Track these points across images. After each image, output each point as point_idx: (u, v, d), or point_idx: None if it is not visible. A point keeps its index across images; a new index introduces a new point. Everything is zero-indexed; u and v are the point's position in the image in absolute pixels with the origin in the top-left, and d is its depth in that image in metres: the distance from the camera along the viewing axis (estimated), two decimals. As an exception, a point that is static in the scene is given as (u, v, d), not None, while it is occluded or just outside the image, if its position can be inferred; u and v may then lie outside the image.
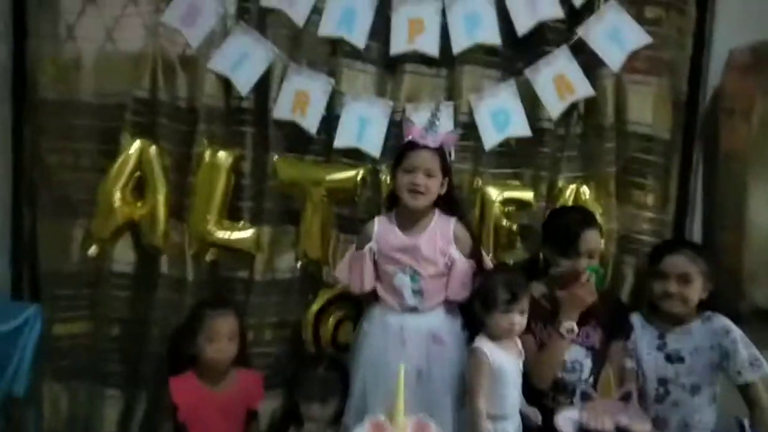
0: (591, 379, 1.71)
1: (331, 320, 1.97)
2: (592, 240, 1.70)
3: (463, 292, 1.70)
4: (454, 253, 1.72)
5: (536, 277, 1.80)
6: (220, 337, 1.71)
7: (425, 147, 1.68)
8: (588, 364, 1.71)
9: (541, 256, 1.88)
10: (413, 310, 1.74)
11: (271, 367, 2.01)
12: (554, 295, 1.74)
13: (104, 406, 2.02)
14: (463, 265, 1.73)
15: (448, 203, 1.76)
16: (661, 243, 1.89)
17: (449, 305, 1.77)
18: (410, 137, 1.71)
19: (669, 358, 1.74)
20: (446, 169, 1.72)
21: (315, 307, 1.96)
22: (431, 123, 1.70)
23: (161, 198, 1.94)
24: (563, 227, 1.74)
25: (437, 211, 1.75)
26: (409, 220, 1.73)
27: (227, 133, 1.97)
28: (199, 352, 1.72)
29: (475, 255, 1.75)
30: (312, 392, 1.75)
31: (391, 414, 1.22)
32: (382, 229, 1.76)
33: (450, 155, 1.74)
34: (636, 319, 1.82)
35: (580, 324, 1.69)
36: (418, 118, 1.83)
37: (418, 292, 1.73)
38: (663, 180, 1.99)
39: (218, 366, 1.73)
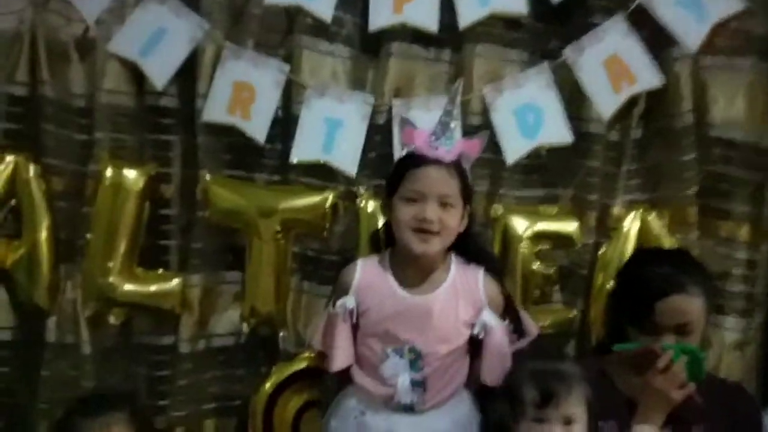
0: None
1: (292, 405, 1.47)
2: (680, 310, 1.15)
3: (501, 375, 1.17)
4: (490, 319, 1.19)
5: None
6: None
7: (436, 162, 1.14)
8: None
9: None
10: (408, 409, 1.18)
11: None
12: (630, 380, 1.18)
13: None
14: (502, 334, 1.20)
15: (470, 246, 1.24)
16: None
17: (461, 399, 1.22)
18: (413, 147, 1.17)
19: None
20: (468, 194, 1.20)
21: (268, 386, 1.46)
22: (444, 124, 1.17)
23: (44, 235, 1.43)
24: (637, 286, 1.19)
25: (453, 258, 1.22)
26: (413, 271, 1.20)
27: (138, 143, 1.47)
28: None
29: (509, 317, 1.23)
30: None
31: None
32: (369, 277, 1.22)
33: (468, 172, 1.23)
34: None
35: (675, 428, 1.15)
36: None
37: (419, 384, 1.18)
38: (757, 204, 1.46)
39: None
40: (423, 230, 1.13)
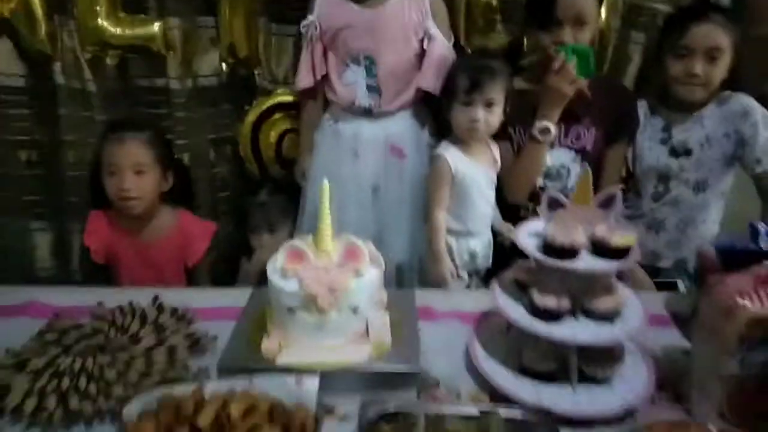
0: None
1: (273, 133, 1.70)
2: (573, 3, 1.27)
3: (437, 82, 1.36)
4: (433, 28, 1.37)
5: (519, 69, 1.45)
6: (121, 169, 1.32)
7: None
8: (576, 169, 1.42)
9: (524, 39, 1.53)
10: (367, 113, 1.45)
11: (221, 191, 1.80)
12: (535, 89, 1.38)
13: (33, 239, 1.81)
14: (443, 46, 1.39)
15: None
16: (680, 9, 1.46)
17: (416, 108, 1.48)
18: None
19: (674, 152, 1.45)
20: None
21: (251, 117, 1.68)
22: None
23: (31, -17, 1.52)
24: None
25: None
26: None
27: None
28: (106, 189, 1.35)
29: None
30: (258, 223, 1.63)
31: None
32: (329, 3, 1.38)
33: None
34: (640, 108, 1.48)
35: (568, 122, 1.38)
36: None
37: (373, 90, 1.42)
38: None
39: (127, 207, 1.34)
40: None
